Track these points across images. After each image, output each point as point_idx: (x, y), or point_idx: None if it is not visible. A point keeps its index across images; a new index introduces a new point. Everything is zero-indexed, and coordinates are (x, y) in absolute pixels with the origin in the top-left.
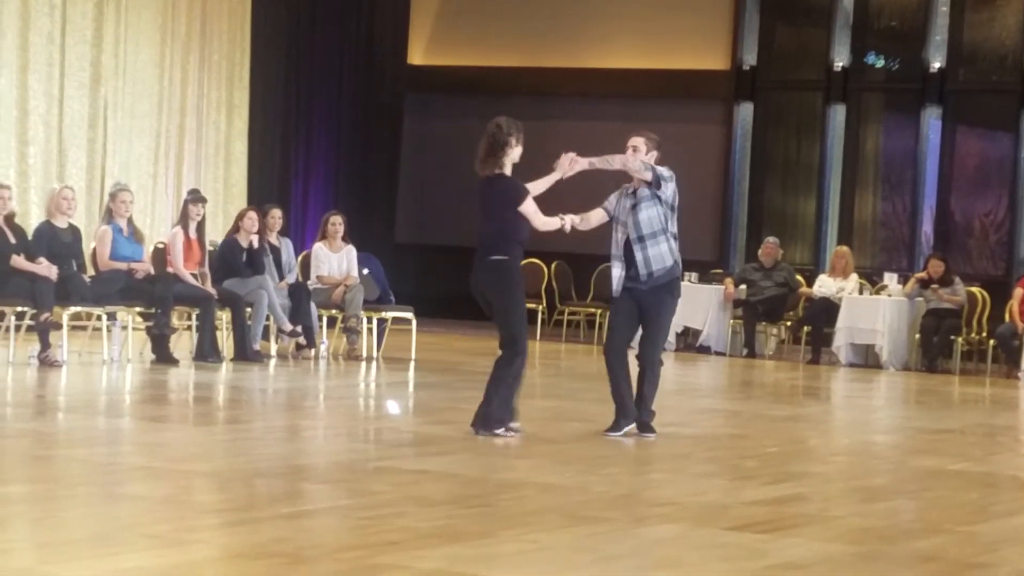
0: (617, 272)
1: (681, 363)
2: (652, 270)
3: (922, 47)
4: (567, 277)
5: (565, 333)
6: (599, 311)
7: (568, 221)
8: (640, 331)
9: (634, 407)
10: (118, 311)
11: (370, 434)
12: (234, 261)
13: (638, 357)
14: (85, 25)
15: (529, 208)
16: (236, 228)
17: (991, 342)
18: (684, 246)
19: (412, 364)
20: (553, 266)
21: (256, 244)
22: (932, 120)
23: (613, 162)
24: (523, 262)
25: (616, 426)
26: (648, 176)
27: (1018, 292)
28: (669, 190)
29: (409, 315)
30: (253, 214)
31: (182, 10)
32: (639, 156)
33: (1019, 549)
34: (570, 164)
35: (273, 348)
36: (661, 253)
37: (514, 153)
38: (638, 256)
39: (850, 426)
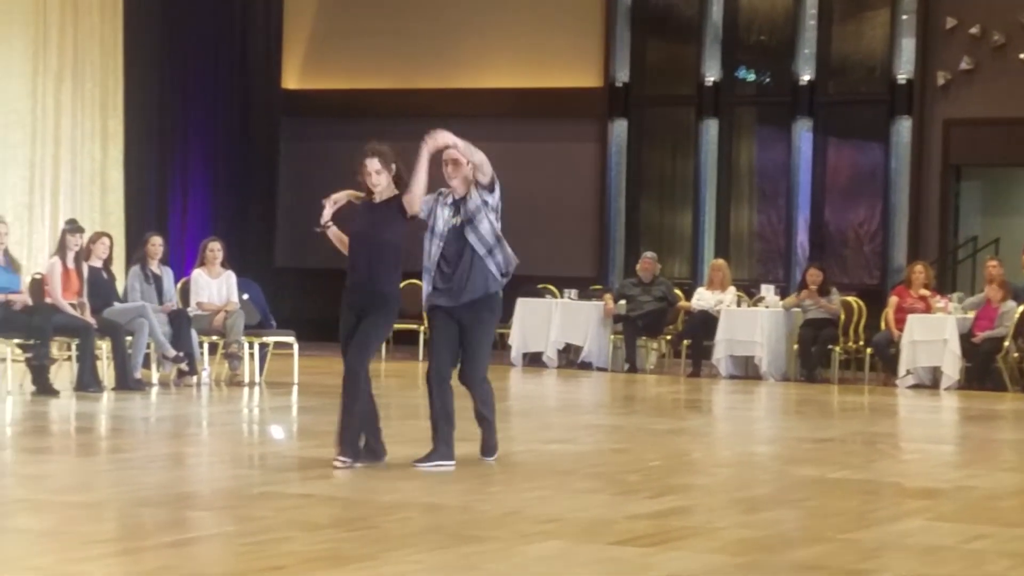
0: (427, 288)
1: (563, 380)
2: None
3: (792, 60)
4: None
5: None
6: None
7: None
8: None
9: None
10: None
11: (254, 460)
12: (102, 287)
13: (461, 380)
14: None
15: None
16: (88, 255)
17: (868, 350)
18: (563, 263)
19: (295, 388)
20: None
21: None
22: (803, 132)
23: (473, 153)
24: (404, 283)
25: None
26: (487, 178)
27: (893, 300)
28: (497, 195)
29: (290, 339)
30: (107, 239)
31: (53, 40)
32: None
33: (899, 555)
34: (441, 138)
35: (155, 376)
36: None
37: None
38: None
39: (731, 438)
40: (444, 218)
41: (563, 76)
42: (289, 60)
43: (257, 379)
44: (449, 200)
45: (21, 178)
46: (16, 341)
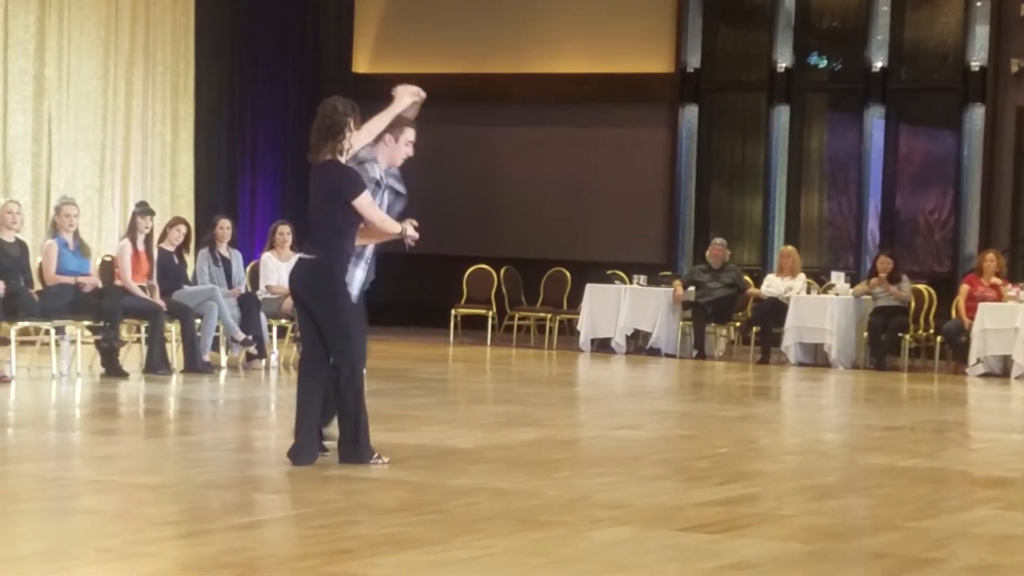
0: (361, 275)
1: (631, 365)
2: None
3: (864, 47)
4: (516, 282)
5: (515, 338)
6: (548, 315)
7: (409, 231)
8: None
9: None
10: (66, 325)
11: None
12: (172, 270)
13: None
14: (27, 39)
15: (363, 202)
16: (162, 238)
17: (938, 339)
18: (631, 248)
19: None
20: (502, 271)
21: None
22: (875, 119)
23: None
24: (472, 268)
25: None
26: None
27: (964, 288)
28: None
29: None
30: (184, 226)
31: (125, 22)
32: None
33: (969, 544)
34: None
35: (223, 359)
36: None
37: (352, 138)
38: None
39: (800, 425)
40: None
41: (634, 61)
42: (360, 44)
43: None
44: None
45: (92, 160)
46: (86, 323)
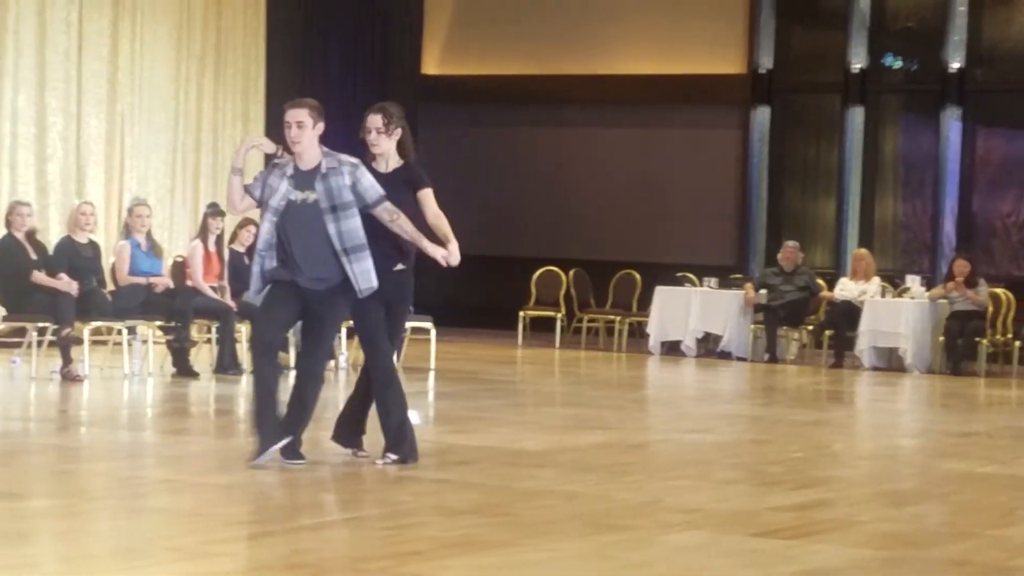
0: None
1: (702, 369)
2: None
3: (940, 48)
4: (585, 284)
5: (584, 340)
6: (618, 318)
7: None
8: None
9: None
10: (138, 325)
11: None
12: (243, 271)
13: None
14: (101, 42)
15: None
16: (233, 238)
17: (1016, 343)
18: (702, 251)
19: (432, 374)
20: (571, 273)
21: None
22: (952, 121)
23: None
24: (541, 270)
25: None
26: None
27: None
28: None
29: (428, 325)
30: (254, 227)
31: (197, 25)
32: (306, 133)
33: None
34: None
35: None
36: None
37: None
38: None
39: (875, 430)
40: (281, 191)
41: (705, 62)
42: (429, 46)
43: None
44: (289, 172)
45: (163, 162)
46: (157, 323)
